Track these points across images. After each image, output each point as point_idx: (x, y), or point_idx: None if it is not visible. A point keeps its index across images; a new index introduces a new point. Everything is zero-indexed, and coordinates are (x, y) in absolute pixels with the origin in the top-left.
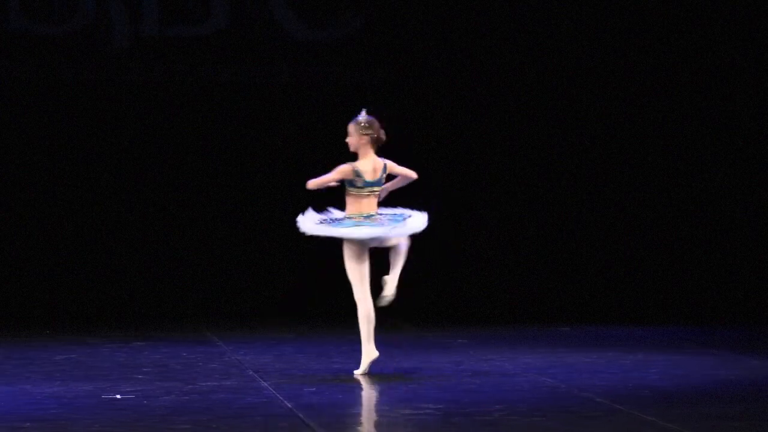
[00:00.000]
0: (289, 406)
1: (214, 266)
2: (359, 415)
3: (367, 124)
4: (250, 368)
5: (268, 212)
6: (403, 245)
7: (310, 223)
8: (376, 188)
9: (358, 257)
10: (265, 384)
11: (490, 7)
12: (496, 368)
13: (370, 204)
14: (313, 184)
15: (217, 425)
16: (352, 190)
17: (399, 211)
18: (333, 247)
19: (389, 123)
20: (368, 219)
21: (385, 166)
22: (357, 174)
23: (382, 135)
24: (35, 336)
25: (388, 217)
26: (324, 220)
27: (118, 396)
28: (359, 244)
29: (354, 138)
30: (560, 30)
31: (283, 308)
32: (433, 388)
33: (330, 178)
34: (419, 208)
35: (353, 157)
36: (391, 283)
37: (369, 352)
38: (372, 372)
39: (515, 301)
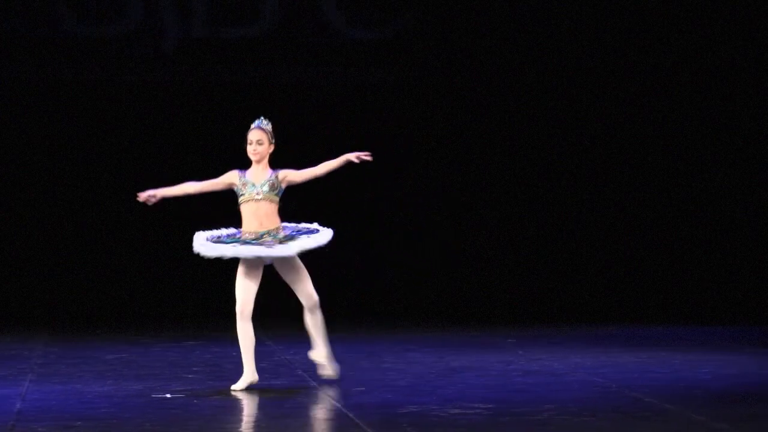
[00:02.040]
0: (339, 405)
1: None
2: (408, 414)
3: (273, 134)
4: (299, 368)
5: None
6: (317, 318)
7: (200, 239)
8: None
9: (246, 274)
10: (314, 384)
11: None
12: (545, 368)
13: (268, 216)
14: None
15: (267, 425)
16: (240, 199)
17: (303, 226)
18: (385, 249)
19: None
20: (260, 239)
21: (277, 176)
22: (243, 182)
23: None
24: (87, 335)
25: (286, 233)
26: (216, 237)
27: (169, 395)
28: (249, 261)
29: (265, 146)
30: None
31: (333, 308)
32: (482, 387)
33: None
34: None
35: (247, 164)
36: (324, 360)
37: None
38: (420, 370)
39: (566, 302)
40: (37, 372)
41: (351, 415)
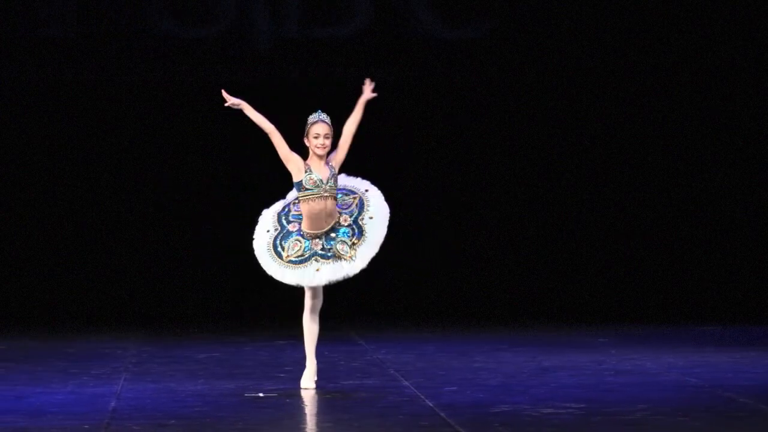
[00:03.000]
0: (431, 404)
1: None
2: (500, 414)
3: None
4: (391, 367)
5: (423, 212)
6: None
7: (262, 241)
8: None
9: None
10: (406, 383)
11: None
12: (638, 367)
13: (331, 213)
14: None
15: (359, 424)
16: (303, 195)
17: (349, 199)
18: (478, 248)
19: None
20: (330, 242)
21: (334, 168)
22: (311, 177)
23: None
24: (180, 335)
25: (348, 223)
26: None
27: (261, 394)
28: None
29: (331, 140)
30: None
31: (426, 308)
32: (574, 387)
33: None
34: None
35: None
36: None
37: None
38: (512, 370)
39: (658, 301)
40: (131, 371)
41: (442, 414)
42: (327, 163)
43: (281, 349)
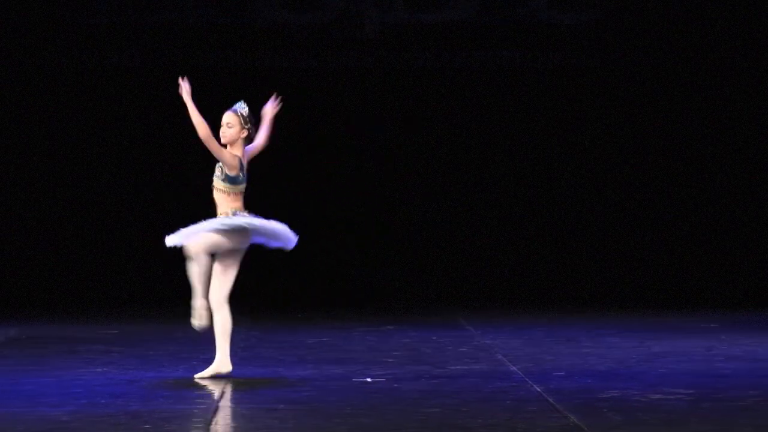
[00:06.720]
0: (538, 390)
1: (470, 252)
2: (609, 399)
3: (248, 118)
4: (499, 352)
5: (532, 197)
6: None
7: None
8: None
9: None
10: (514, 368)
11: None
12: (748, 353)
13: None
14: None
15: (467, 409)
16: (227, 187)
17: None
18: (584, 234)
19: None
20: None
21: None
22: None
23: (253, 133)
24: (288, 320)
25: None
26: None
27: (369, 379)
28: (238, 237)
29: (235, 130)
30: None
31: (533, 294)
32: (683, 373)
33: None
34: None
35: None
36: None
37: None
38: (620, 355)
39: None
40: (240, 355)
41: (551, 400)
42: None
43: (389, 334)
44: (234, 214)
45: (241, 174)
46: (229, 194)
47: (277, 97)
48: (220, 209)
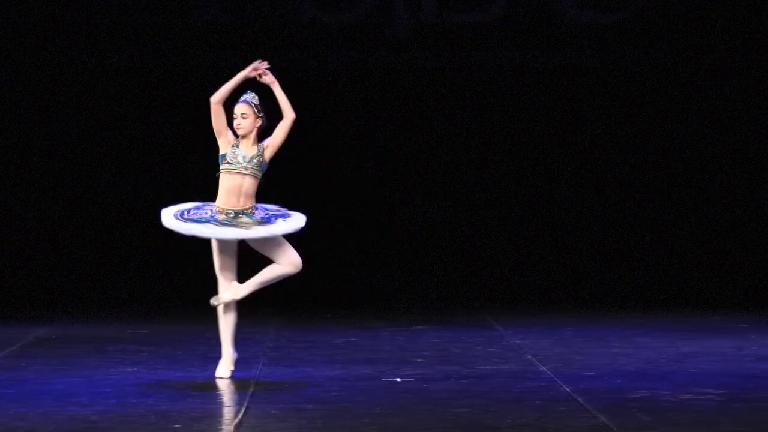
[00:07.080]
0: (568, 390)
1: (470, 252)
2: (638, 399)
3: (260, 107)
4: (528, 352)
5: (558, 196)
6: (284, 269)
7: (169, 215)
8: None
9: (222, 251)
10: (543, 368)
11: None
12: None
13: (248, 194)
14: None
15: (496, 409)
16: (224, 168)
17: (275, 209)
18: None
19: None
20: (235, 218)
21: (263, 151)
22: (235, 151)
23: (265, 122)
24: (317, 320)
25: (261, 216)
26: (186, 211)
27: (398, 379)
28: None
29: (250, 120)
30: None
31: (561, 293)
32: (714, 373)
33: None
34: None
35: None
36: (235, 291)
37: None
38: (650, 355)
39: None
40: (269, 356)
41: (580, 399)
42: (256, 144)
43: (418, 334)
44: (256, 209)
45: (232, 156)
46: (222, 174)
47: (261, 62)
48: (255, 199)
